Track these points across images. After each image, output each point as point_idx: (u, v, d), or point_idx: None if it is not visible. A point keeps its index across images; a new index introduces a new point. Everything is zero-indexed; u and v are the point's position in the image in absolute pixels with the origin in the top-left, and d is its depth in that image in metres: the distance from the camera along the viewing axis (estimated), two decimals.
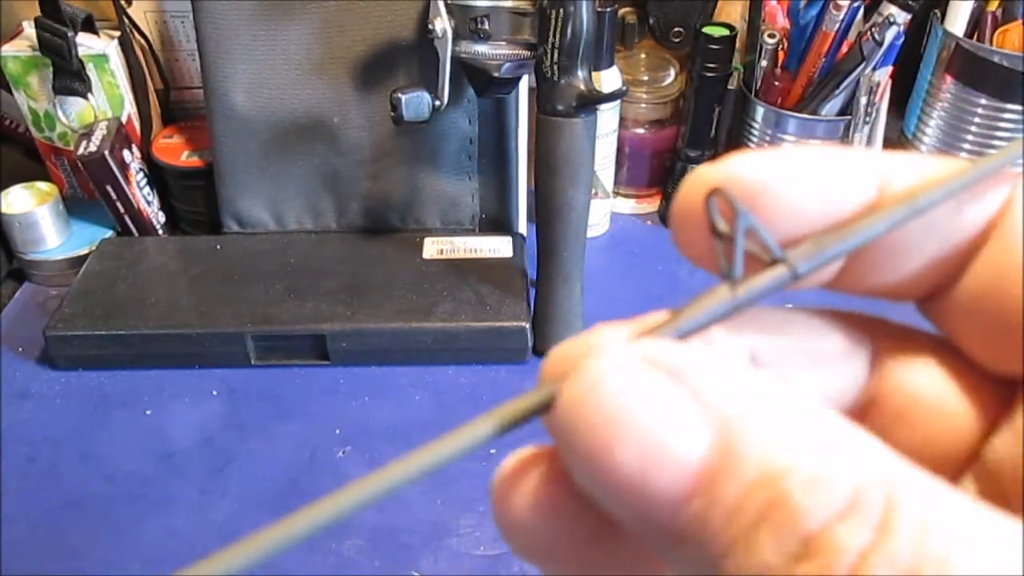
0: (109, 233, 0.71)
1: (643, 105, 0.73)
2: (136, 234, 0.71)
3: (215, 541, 0.49)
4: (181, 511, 0.51)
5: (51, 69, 0.67)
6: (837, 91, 0.66)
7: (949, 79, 0.65)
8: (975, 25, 0.65)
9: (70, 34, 0.65)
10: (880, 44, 0.63)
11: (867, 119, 0.66)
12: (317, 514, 0.11)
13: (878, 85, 0.65)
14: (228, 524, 0.50)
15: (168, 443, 0.55)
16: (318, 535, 0.11)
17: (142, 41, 0.73)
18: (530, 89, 0.62)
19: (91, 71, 0.68)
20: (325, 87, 0.64)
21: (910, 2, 0.61)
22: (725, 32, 0.68)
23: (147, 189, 0.71)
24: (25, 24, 0.70)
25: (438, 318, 0.59)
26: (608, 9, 0.65)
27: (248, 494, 0.52)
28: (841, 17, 0.64)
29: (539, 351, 0.61)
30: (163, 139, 0.74)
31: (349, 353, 0.60)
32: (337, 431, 0.56)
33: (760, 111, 0.70)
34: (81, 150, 0.66)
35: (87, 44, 0.67)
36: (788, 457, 0.10)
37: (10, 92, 0.70)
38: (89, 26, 0.69)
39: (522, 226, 0.70)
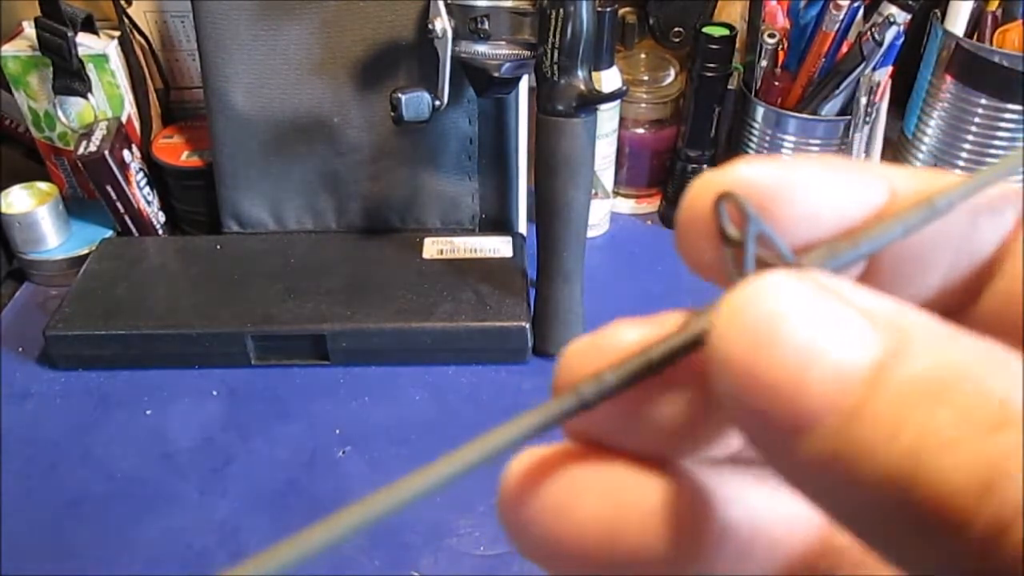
0: (109, 233, 0.71)
1: (643, 105, 0.73)
2: (136, 234, 0.71)
3: (215, 541, 0.50)
4: (181, 511, 0.51)
5: (51, 69, 0.67)
6: (837, 91, 0.66)
7: (949, 79, 0.65)
8: (975, 25, 0.65)
9: (70, 34, 0.65)
10: (880, 44, 0.63)
11: (867, 119, 0.66)
12: (384, 499, 0.11)
13: (878, 85, 0.65)
14: (228, 524, 0.50)
15: (168, 443, 0.55)
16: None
17: (142, 41, 0.73)
18: (530, 89, 0.62)
19: (91, 71, 0.68)
20: (325, 87, 0.64)
21: (910, 2, 0.61)
22: (725, 32, 0.68)
23: (147, 189, 0.71)
24: (25, 24, 0.70)
25: (438, 318, 0.59)
26: (608, 9, 0.65)
27: (248, 494, 0.52)
28: (841, 17, 0.64)
29: (539, 351, 0.61)
30: (163, 139, 0.74)
31: (349, 353, 0.60)
32: (337, 431, 0.56)
33: (760, 111, 0.70)
34: (81, 150, 0.66)
35: (87, 44, 0.67)
36: (966, 363, 0.10)
37: (10, 92, 0.70)
38: (89, 26, 0.69)
39: (522, 226, 0.70)
